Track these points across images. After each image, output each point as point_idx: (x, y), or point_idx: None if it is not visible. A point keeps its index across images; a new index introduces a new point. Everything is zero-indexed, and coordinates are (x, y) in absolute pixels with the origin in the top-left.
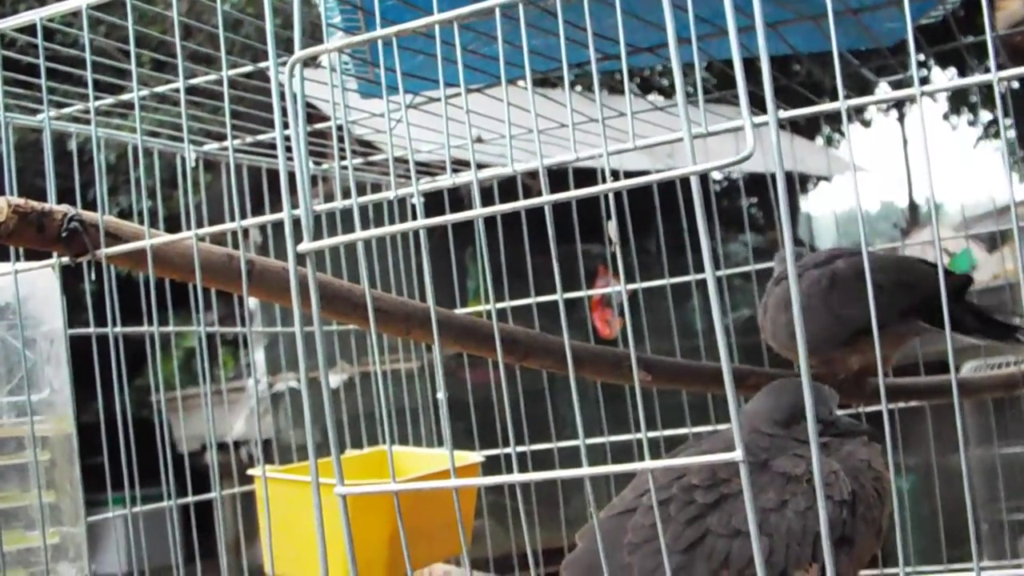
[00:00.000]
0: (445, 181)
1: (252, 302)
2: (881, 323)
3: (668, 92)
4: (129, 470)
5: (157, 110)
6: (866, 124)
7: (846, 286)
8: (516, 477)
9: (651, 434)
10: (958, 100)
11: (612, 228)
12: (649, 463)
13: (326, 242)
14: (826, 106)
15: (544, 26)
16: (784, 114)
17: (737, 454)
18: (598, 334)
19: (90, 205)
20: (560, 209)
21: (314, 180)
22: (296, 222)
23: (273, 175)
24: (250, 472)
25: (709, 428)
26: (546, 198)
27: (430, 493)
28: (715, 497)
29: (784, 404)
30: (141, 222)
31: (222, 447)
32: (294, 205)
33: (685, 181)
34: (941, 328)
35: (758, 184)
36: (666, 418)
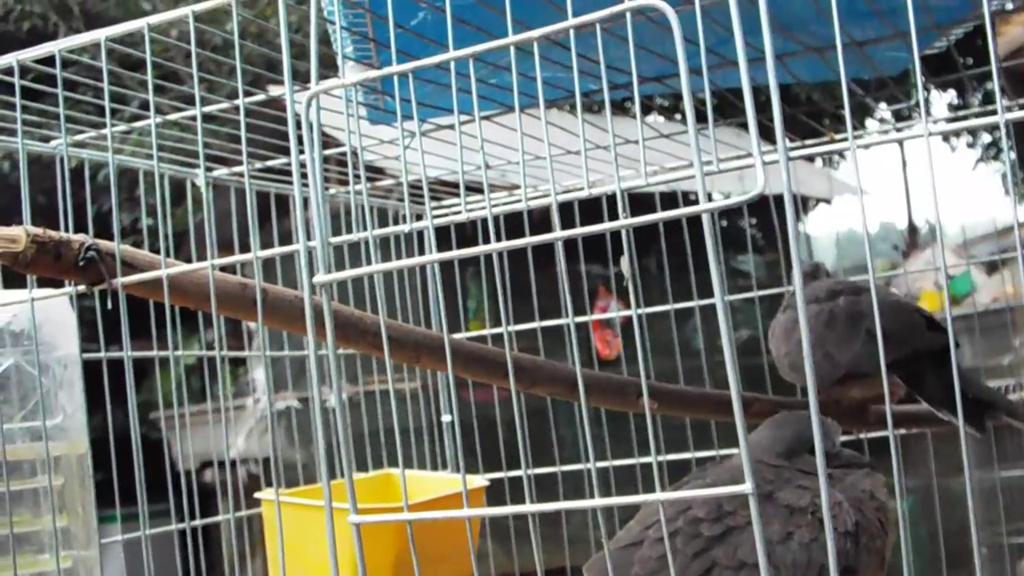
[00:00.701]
0: (459, 216)
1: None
2: (865, 371)
3: (667, 112)
4: (133, 491)
5: (163, 135)
6: (865, 147)
7: (841, 329)
8: (529, 508)
9: (652, 459)
10: (957, 122)
11: (625, 263)
12: (660, 495)
13: (342, 275)
14: (837, 146)
15: (553, 57)
16: (795, 152)
17: (747, 487)
18: (598, 355)
19: (96, 223)
20: (562, 228)
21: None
22: (311, 253)
23: (280, 200)
24: (258, 495)
25: (711, 453)
26: (561, 234)
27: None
28: (721, 530)
29: (786, 436)
30: (147, 239)
31: (223, 465)
32: (308, 233)
33: (688, 202)
34: (915, 390)
35: (760, 205)
36: (669, 442)
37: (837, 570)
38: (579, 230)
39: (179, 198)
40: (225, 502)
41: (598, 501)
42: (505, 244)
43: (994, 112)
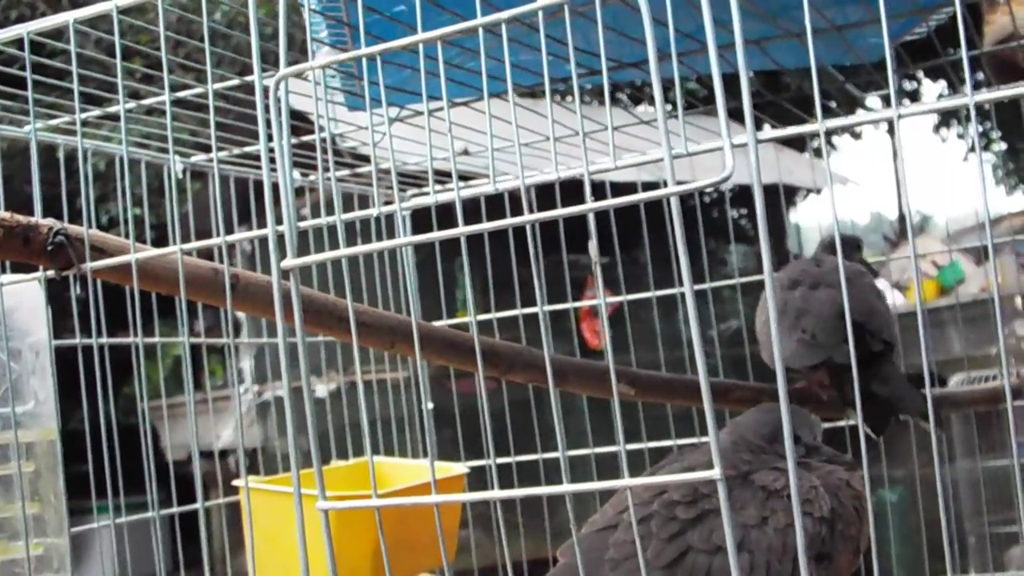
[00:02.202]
0: (428, 199)
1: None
2: (796, 368)
3: (653, 101)
4: (114, 480)
5: (145, 122)
6: (856, 136)
7: (786, 322)
8: (497, 493)
9: (635, 446)
10: (948, 113)
11: (593, 247)
12: (629, 480)
13: (310, 259)
14: (805, 128)
15: (528, 41)
16: (763, 135)
17: (715, 472)
18: (587, 345)
19: (77, 214)
20: (546, 221)
21: (301, 191)
22: (280, 237)
23: (260, 186)
24: (235, 483)
25: (694, 440)
26: (530, 217)
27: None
28: (696, 513)
29: (771, 420)
30: (128, 231)
31: (208, 456)
32: (278, 218)
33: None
34: (836, 389)
35: (746, 195)
36: (651, 430)
37: (809, 554)
38: (547, 213)
39: (163, 189)
40: (207, 492)
41: (569, 487)
42: (477, 227)
43: (964, 97)
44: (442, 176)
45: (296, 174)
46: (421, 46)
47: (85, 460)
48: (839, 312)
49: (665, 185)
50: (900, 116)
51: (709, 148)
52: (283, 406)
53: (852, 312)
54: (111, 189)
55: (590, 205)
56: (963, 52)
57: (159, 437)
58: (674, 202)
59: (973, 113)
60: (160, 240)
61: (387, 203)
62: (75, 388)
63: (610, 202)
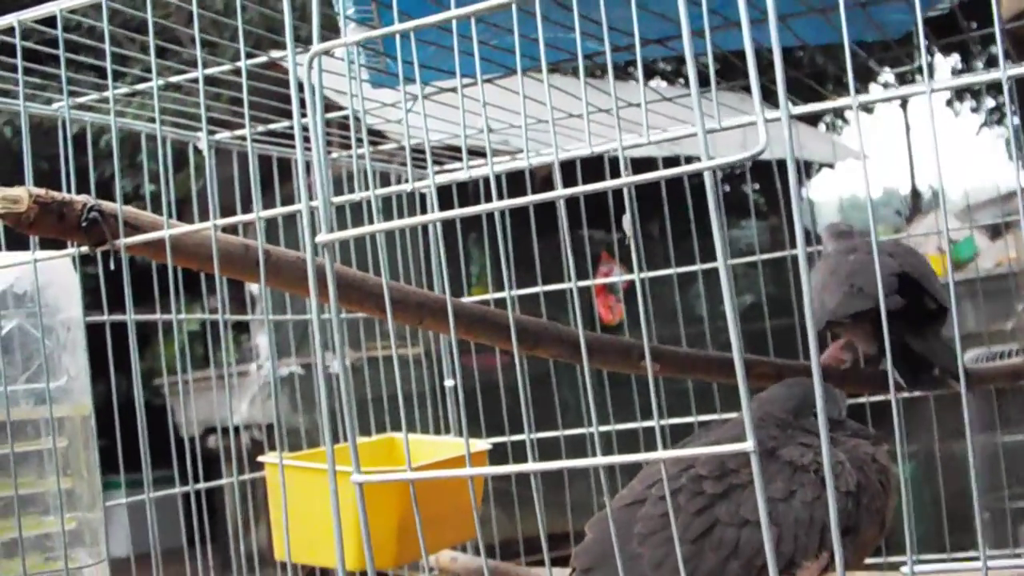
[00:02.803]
0: (461, 174)
1: (253, 287)
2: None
3: (670, 78)
4: (135, 456)
5: (163, 97)
6: (868, 111)
7: (842, 278)
8: (531, 467)
9: (654, 424)
10: (961, 88)
11: (627, 222)
12: (662, 453)
13: (344, 234)
14: (838, 102)
15: (555, 18)
16: (796, 110)
17: (748, 444)
18: (601, 320)
19: (99, 189)
20: (566, 198)
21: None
22: (313, 213)
23: (283, 163)
24: (261, 459)
25: (714, 416)
26: (560, 192)
27: (438, 481)
28: (724, 487)
29: (796, 395)
30: (150, 205)
31: (226, 431)
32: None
33: (690, 161)
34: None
35: (762, 170)
36: (671, 406)
37: (839, 528)
38: (581, 188)
39: (182, 164)
40: (228, 467)
41: (600, 460)
42: (505, 203)
43: (997, 72)
44: (460, 153)
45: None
46: (455, 23)
47: (105, 435)
48: (894, 272)
49: (688, 161)
50: (934, 90)
51: (742, 123)
52: (301, 382)
53: (912, 272)
54: (126, 164)
55: (623, 180)
56: (996, 26)
57: (175, 413)
58: (708, 177)
59: (1006, 89)
60: (180, 216)
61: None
62: (97, 364)
63: (648, 176)
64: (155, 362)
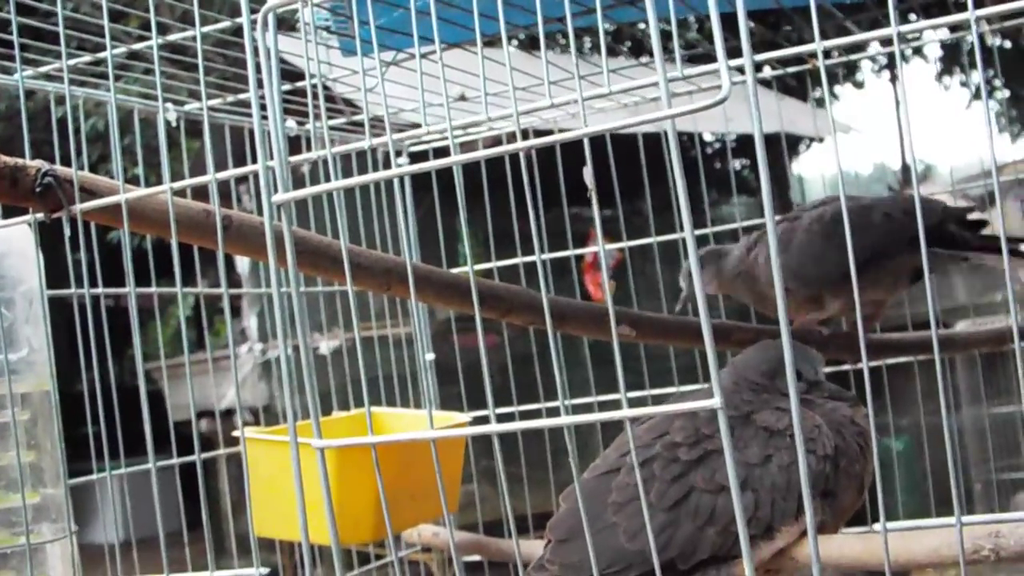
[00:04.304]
0: (422, 131)
1: (243, 268)
2: (891, 253)
3: (635, 52)
4: (112, 434)
5: (149, 72)
6: (858, 85)
7: (851, 219)
8: (496, 427)
9: (637, 393)
10: (950, 61)
11: (588, 174)
12: (628, 411)
13: (302, 192)
14: (804, 47)
15: None
16: (761, 56)
17: (715, 401)
18: (590, 297)
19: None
20: (546, 173)
21: (298, 142)
22: (272, 174)
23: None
24: (235, 434)
25: (697, 386)
26: (524, 143)
27: (416, 453)
28: (699, 454)
29: (771, 357)
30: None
31: (212, 415)
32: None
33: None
34: (955, 250)
35: (748, 145)
36: (653, 378)
37: (813, 492)
38: (543, 139)
39: (157, 146)
40: (211, 450)
41: (569, 419)
42: (471, 155)
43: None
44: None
45: (291, 122)
46: None
47: (88, 421)
48: (907, 199)
49: (666, 136)
50: (900, 34)
51: (705, 71)
52: (280, 361)
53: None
54: (111, 150)
55: (586, 130)
56: None
57: (163, 398)
58: (669, 127)
59: (975, 28)
60: None
61: (397, 154)
62: (78, 347)
63: (606, 126)
64: (147, 347)
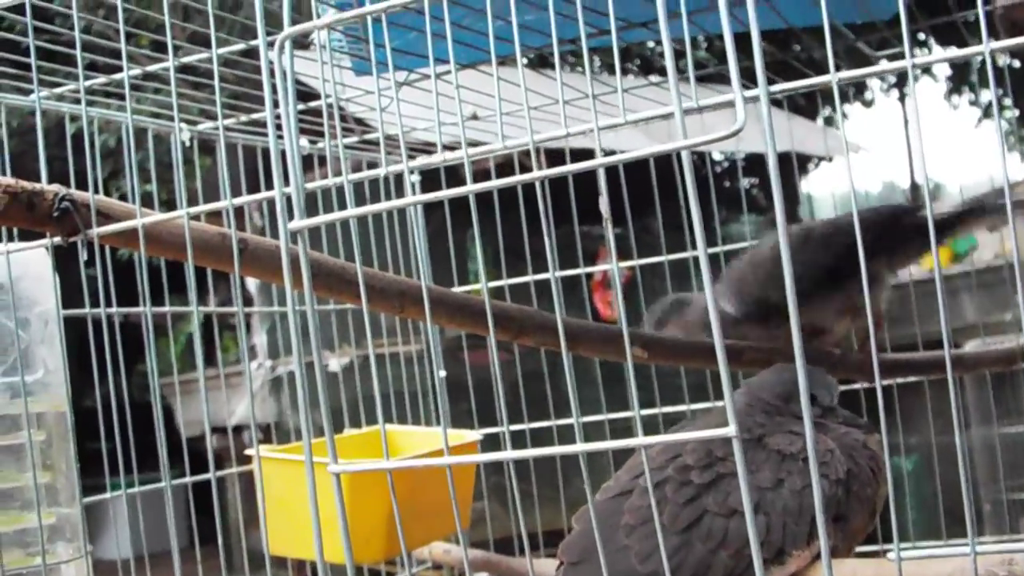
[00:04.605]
0: (437, 157)
1: (252, 285)
2: (848, 272)
3: (658, 71)
4: (125, 450)
5: (159, 91)
6: (867, 104)
7: (816, 239)
8: (511, 454)
9: (649, 412)
10: (959, 80)
11: (604, 203)
12: (643, 439)
13: (317, 219)
14: (818, 79)
15: (535, 1)
16: (776, 88)
17: (731, 430)
18: (599, 316)
19: (94, 187)
20: (558, 191)
21: (311, 163)
22: (288, 200)
23: (269, 155)
24: (248, 452)
25: (707, 405)
26: (539, 173)
27: (428, 472)
28: (711, 477)
29: (787, 380)
30: (139, 203)
31: (223, 432)
32: (288, 184)
33: (682, 161)
34: (906, 255)
35: (758, 164)
36: (664, 397)
37: (825, 516)
38: (559, 169)
39: (171, 164)
40: (221, 467)
41: (583, 446)
42: (485, 184)
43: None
44: (454, 144)
45: (304, 141)
46: (427, 3)
47: (99, 438)
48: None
49: (678, 157)
50: (915, 65)
51: (720, 101)
52: (296, 381)
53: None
54: (122, 166)
55: (601, 160)
56: (979, 3)
57: (173, 414)
58: (685, 156)
59: (988, 59)
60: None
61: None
62: (88, 364)
63: (620, 157)
64: (157, 363)
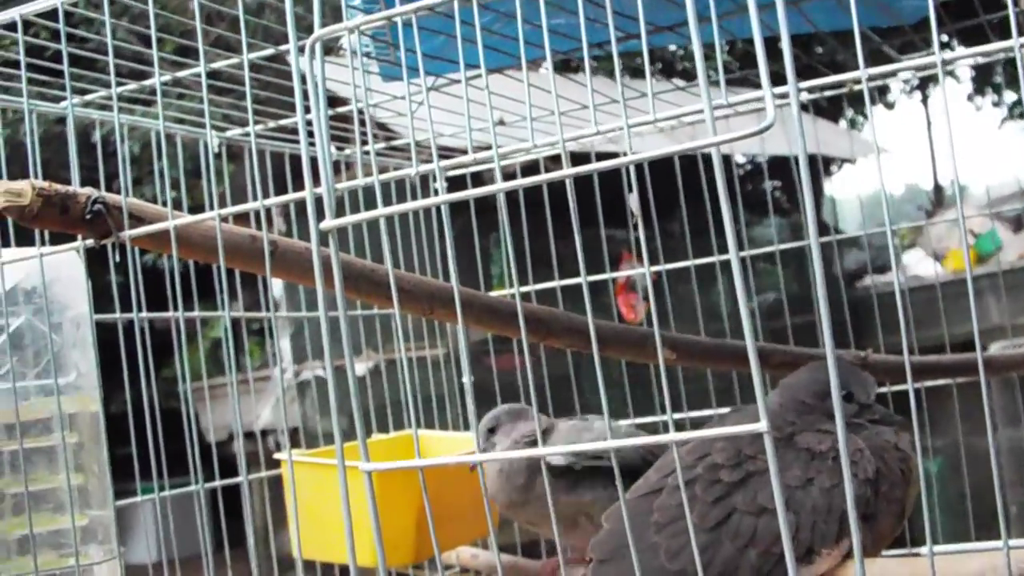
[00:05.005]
0: (467, 158)
1: (277, 290)
2: None
3: (690, 75)
4: (157, 455)
5: (182, 97)
6: (889, 106)
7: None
8: (544, 450)
9: (677, 416)
10: (982, 81)
11: (634, 201)
12: (676, 435)
13: (348, 219)
14: (847, 75)
15: (564, 5)
16: (805, 84)
17: (762, 425)
18: (623, 319)
19: (115, 193)
20: (583, 193)
21: (339, 167)
22: (318, 201)
23: (296, 161)
24: (277, 456)
25: (738, 406)
26: (567, 171)
27: (456, 475)
28: (740, 475)
29: (823, 378)
30: (165, 202)
31: (249, 436)
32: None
33: (707, 164)
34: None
35: (782, 167)
36: (692, 400)
37: (856, 513)
38: (587, 167)
39: (199, 172)
40: (248, 471)
41: (613, 443)
42: (513, 183)
43: (1010, 48)
44: (480, 149)
45: (331, 148)
46: (456, 7)
47: (128, 442)
48: None
49: (703, 158)
50: (944, 61)
51: (749, 98)
52: (322, 385)
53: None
54: (147, 172)
55: (629, 159)
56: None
57: (200, 418)
58: (715, 153)
59: (1019, 56)
60: None
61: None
62: (117, 369)
63: (647, 154)
64: (179, 364)
